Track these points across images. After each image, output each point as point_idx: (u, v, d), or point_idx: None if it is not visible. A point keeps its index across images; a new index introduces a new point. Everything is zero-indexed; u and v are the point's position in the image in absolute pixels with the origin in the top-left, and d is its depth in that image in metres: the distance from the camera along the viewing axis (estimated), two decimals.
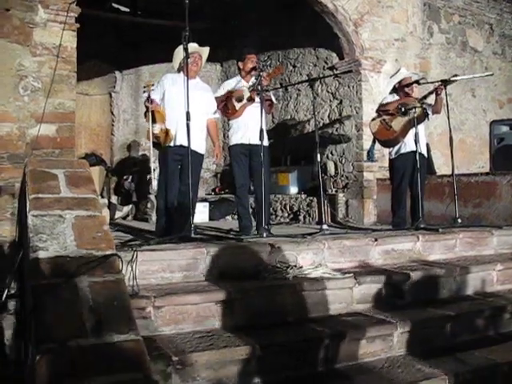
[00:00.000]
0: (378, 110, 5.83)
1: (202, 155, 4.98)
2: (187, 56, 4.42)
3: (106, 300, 2.08)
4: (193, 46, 4.61)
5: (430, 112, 5.62)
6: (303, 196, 7.72)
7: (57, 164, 3.16)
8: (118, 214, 8.59)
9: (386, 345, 3.17)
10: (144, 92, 5.07)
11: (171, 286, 3.26)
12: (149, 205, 8.24)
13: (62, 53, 4.97)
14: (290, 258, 3.72)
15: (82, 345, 1.89)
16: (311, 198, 7.47)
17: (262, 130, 4.63)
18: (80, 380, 1.78)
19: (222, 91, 5.33)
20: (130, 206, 8.91)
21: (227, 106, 5.23)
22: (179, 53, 4.83)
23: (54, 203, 2.67)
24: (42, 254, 2.29)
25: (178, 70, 4.99)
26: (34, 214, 2.57)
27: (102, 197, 7.92)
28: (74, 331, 1.94)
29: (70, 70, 5.11)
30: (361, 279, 3.57)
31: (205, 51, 4.99)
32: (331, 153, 7.72)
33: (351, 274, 3.61)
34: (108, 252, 2.37)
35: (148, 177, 8.44)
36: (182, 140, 4.64)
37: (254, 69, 5.12)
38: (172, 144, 4.79)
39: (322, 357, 2.94)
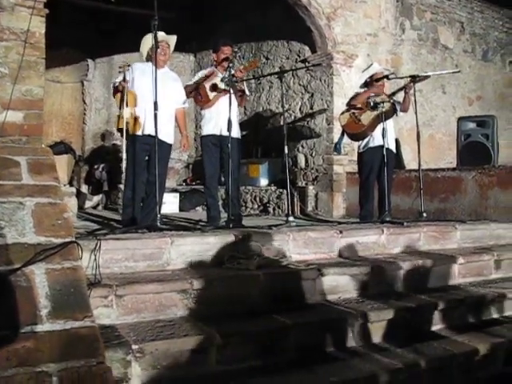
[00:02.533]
0: (348, 104, 5.88)
1: (171, 145, 4.96)
2: (156, 46, 4.40)
3: (62, 287, 2.08)
4: (160, 35, 4.56)
5: (398, 108, 5.69)
6: (273, 188, 7.75)
7: (20, 151, 3.13)
8: (89, 204, 8.51)
9: (348, 335, 3.22)
10: (120, 72, 4.99)
11: (135, 275, 3.26)
12: (120, 194, 8.18)
13: (30, 38, 4.87)
14: (254, 248, 3.74)
15: (37, 331, 1.88)
16: (281, 190, 7.50)
17: (230, 121, 4.62)
18: (33, 366, 1.77)
19: (195, 79, 5.31)
20: (101, 195, 8.83)
21: (200, 93, 5.21)
22: (146, 41, 4.80)
23: (14, 190, 2.65)
24: None
25: (146, 59, 4.95)
26: None
27: (71, 185, 7.83)
28: (29, 318, 1.93)
29: (39, 56, 5.01)
30: (324, 271, 3.61)
31: (172, 39, 4.95)
32: (302, 146, 7.75)
33: (315, 266, 3.65)
34: (67, 239, 2.36)
35: (119, 166, 8.38)
36: (150, 129, 4.61)
37: (226, 59, 5.10)
38: (140, 133, 4.76)
39: (286, 345, 2.98)
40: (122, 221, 4.95)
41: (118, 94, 4.84)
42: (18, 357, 1.79)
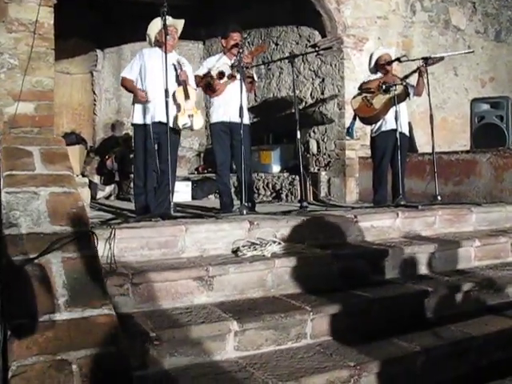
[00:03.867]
0: (360, 88, 5.83)
1: (180, 132, 4.91)
2: (166, 32, 4.37)
3: (79, 275, 2.08)
4: (167, 19, 4.54)
5: (411, 92, 5.63)
6: (285, 174, 7.71)
7: (32, 141, 3.13)
8: (101, 194, 8.53)
9: (361, 320, 3.20)
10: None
11: (150, 263, 3.26)
12: (132, 184, 8.18)
13: (39, 29, 4.87)
14: (269, 234, 3.73)
15: (55, 320, 1.88)
16: (293, 176, 7.47)
17: (241, 108, 4.59)
18: (53, 354, 1.77)
19: (203, 69, 5.27)
20: (113, 185, 8.84)
21: (209, 83, 5.17)
22: (154, 26, 4.77)
23: (28, 180, 2.65)
24: (14, 231, 2.27)
25: (154, 45, 4.91)
26: (8, 191, 2.54)
27: (84, 176, 7.84)
28: (47, 307, 1.93)
29: (48, 47, 5.01)
30: (340, 255, 3.59)
31: (180, 24, 4.90)
32: (313, 131, 7.70)
33: (330, 251, 3.63)
34: (82, 228, 2.35)
35: (131, 156, 8.37)
36: (160, 117, 4.60)
37: (235, 46, 5.05)
38: (147, 121, 4.72)
39: (303, 332, 2.97)
40: (135, 210, 4.95)
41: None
42: (38, 345, 1.79)
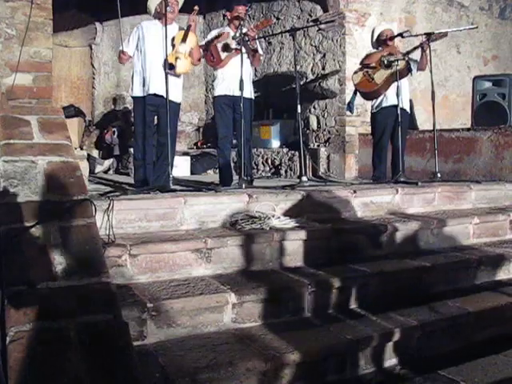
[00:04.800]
0: (361, 63, 5.78)
1: (179, 104, 4.87)
2: (166, 4, 4.32)
3: (77, 244, 2.07)
4: None
5: (414, 68, 5.57)
6: (285, 150, 7.68)
7: (30, 110, 3.09)
8: (99, 168, 8.49)
9: (361, 293, 3.21)
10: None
11: (148, 234, 3.27)
12: (131, 158, 8.15)
13: None
14: (268, 208, 3.72)
15: (53, 287, 1.88)
16: (293, 152, 7.43)
17: (242, 81, 4.55)
18: (50, 322, 1.77)
19: (206, 40, 5.21)
20: (112, 159, 8.80)
21: (212, 54, 5.12)
22: (150, 3, 4.72)
23: (26, 149, 2.62)
24: (12, 199, 2.25)
25: (154, 17, 4.84)
26: (6, 160, 2.52)
27: (82, 149, 7.80)
28: (45, 274, 1.93)
29: (46, 17, 4.93)
30: (338, 230, 3.59)
31: None
32: (314, 107, 7.65)
33: (329, 225, 3.63)
34: (80, 197, 2.34)
35: (131, 130, 8.33)
36: (155, 88, 4.56)
37: (237, 18, 5.00)
38: (144, 94, 4.68)
39: (300, 305, 2.98)
40: (134, 183, 4.93)
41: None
42: (35, 312, 1.79)
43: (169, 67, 4.26)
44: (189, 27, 4.66)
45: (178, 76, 4.70)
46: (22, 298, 1.83)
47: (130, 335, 1.86)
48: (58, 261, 1.99)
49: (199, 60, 4.99)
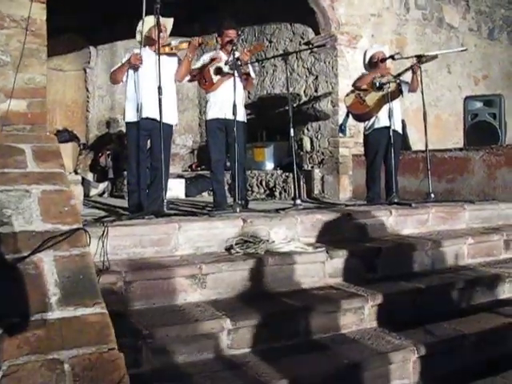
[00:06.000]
0: (353, 85, 5.83)
1: (171, 126, 4.88)
2: (159, 29, 4.38)
3: (71, 274, 2.06)
4: (151, 18, 4.54)
5: (405, 89, 5.63)
6: (279, 172, 7.71)
7: (24, 139, 3.11)
8: (94, 191, 8.50)
9: (357, 317, 3.21)
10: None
11: (143, 260, 3.26)
12: (125, 181, 8.16)
13: (31, 26, 4.82)
14: (262, 232, 3.73)
15: (47, 319, 1.87)
16: (287, 173, 7.47)
17: (234, 105, 4.58)
18: (44, 354, 1.77)
19: (199, 63, 5.26)
20: (106, 183, 8.82)
21: (204, 77, 5.16)
22: (144, 25, 4.75)
23: (20, 178, 2.63)
24: (6, 229, 2.25)
25: (143, 44, 4.85)
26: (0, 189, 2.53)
27: (77, 173, 7.82)
28: (39, 305, 1.92)
29: (40, 43, 4.97)
30: (333, 253, 3.60)
31: (169, 22, 4.87)
32: (307, 129, 7.70)
33: (323, 249, 3.63)
34: (74, 226, 2.34)
35: (125, 153, 8.35)
36: (148, 112, 4.58)
37: (229, 42, 5.04)
38: (138, 118, 4.69)
39: (295, 329, 2.98)
40: (128, 207, 4.93)
41: None
42: (29, 345, 1.78)
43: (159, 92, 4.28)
44: (189, 43, 4.72)
45: (170, 97, 4.73)
46: (16, 331, 1.82)
47: (124, 367, 1.86)
48: (53, 291, 1.99)
49: (183, 77, 4.99)
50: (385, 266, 3.84)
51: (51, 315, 1.90)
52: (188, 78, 5.06)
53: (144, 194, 4.80)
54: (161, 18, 4.58)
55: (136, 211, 4.54)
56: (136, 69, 4.64)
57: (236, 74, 4.76)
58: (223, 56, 5.14)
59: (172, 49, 4.78)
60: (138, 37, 4.86)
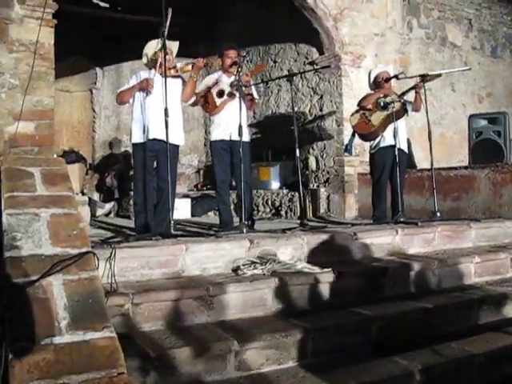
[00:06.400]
0: (358, 104, 5.88)
1: (178, 146, 4.91)
2: (165, 53, 4.42)
3: (80, 298, 2.08)
4: (158, 43, 4.61)
5: (409, 108, 5.67)
6: (285, 191, 7.73)
7: (33, 162, 3.14)
8: (100, 212, 8.54)
9: (363, 338, 3.20)
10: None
11: (150, 282, 3.26)
12: (131, 201, 8.19)
13: (40, 49, 4.92)
14: (269, 253, 3.73)
15: (56, 343, 1.88)
16: (293, 193, 7.49)
17: (240, 127, 4.61)
18: (54, 379, 1.78)
19: (202, 86, 5.31)
20: (113, 203, 8.86)
21: (207, 101, 5.22)
22: (149, 49, 4.83)
23: (29, 201, 2.66)
24: (16, 253, 2.28)
25: (149, 67, 4.92)
26: (9, 213, 2.56)
27: (83, 194, 7.86)
28: (49, 330, 1.94)
29: (48, 66, 5.06)
30: (339, 273, 3.60)
31: (174, 45, 4.94)
32: (312, 148, 7.74)
33: (330, 269, 3.63)
34: (83, 249, 2.36)
35: (130, 173, 8.40)
36: (155, 134, 4.62)
37: (234, 64, 5.10)
38: (144, 139, 4.73)
39: (303, 350, 2.97)
40: (135, 228, 4.95)
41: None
42: (39, 369, 1.79)
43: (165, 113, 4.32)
44: (193, 65, 4.79)
45: (176, 118, 4.77)
46: (26, 355, 1.83)
47: None
48: (62, 316, 2.00)
49: (189, 97, 5.05)
50: (391, 286, 3.83)
51: (61, 339, 1.91)
52: (193, 99, 5.11)
53: (151, 214, 4.82)
54: (167, 41, 4.65)
55: (143, 232, 4.56)
56: (146, 93, 4.69)
57: (239, 96, 4.80)
58: (225, 78, 5.19)
59: (177, 71, 4.84)
60: (145, 59, 4.94)
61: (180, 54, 5.12)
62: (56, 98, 5.82)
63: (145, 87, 4.68)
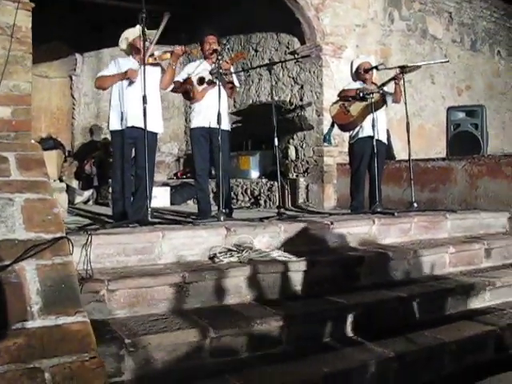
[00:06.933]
0: (338, 95, 5.89)
1: (156, 134, 4.89)
2: (144, 39, 4.38)
3: (53, 283, 2.07)
4: (136, 28, 4.59)
5: (389, 100, 5.70)
6: (264, 180, 7.74)
7: (8, 147, 3.11)
8: (79, 199, 8.47)
9: (338, 326, 3.23)
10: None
11: (126, 269, 3.26)
12: (110, 189, 8.14)
13: (17, 33, 4.81)
14: (246, 241, 3.75)
15: (28, 327, 1.88)
16: (272, 182, 7.51)
17: (219, 114, 4.60)
18: (25, 363, 1.77)
19: (183, 74, 5.29)
20: (92, 190, 8.79)
21: (188, 88, 5.19)
22: (128, 35, 4.79)
23: (3, 186, 2.63)
24: None
25: (127, 53, 4.88)
26: None
27: (61, 181, 7.78)
28: (21, 314, 1.93)
29: (25, 50, 4.96)
30: (316, 262, 3.62)
31: (153, 34, 4.91)
32: (292, 138, 7.75)
33: (306, 257, 3.66)
34: (58, 235, 2.35)
35: (110, 160, 8.33)
36: (133, 121, 4.59)
37: (215, 51, 5.07)
38: (123, 127, 4.70)
39: (278, 338, 2.99)
40: (113, 215, 4.93)
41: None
42: (10, 353, 1.78)
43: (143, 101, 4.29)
44: (172, 52, 4.75)
45: (155, 105, 4.75)
46: None
47: (106, 375, 1.86)
48: (34, 300, 1.99)
49: (167, 85, 5.02)
50: (367, 275, 3.87)
51: (32, 324, 1.90)
52: (172, 86, 5.08)
53: (128, 202, 4.80)
54: (147, 30, 4.62)
55: (120, 219, 4.54)
56: (129, 82, 4.65)
57: (219, 84, 4.78)
58: (206, 66, 5.17)
59: (156, 59, 4.80)
60: (124, 45, 4.89)
61: (160, 43, 5.09)
62: (34, 83, 5.72)
63: (130, 77, 4.65)
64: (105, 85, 4.89)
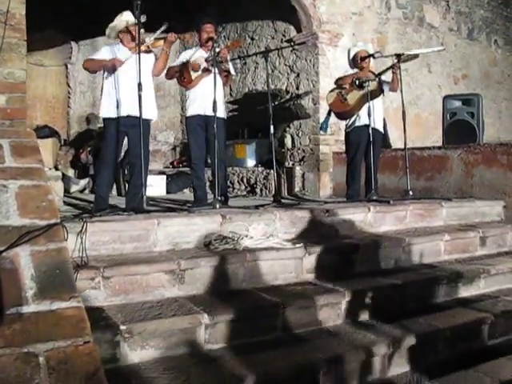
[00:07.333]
0: (335, 83, 5.88)
1: (150, 121, 4.86)
2: (139, 27, 4.36)
3: (48, 268, 2.07)
4: (131, 18, 4.57)
5: (386, 88, 5.69)
6: (260, 169, 7.74)
7: (2, 134, 3.10)
8: (75, 188, 8.45)
9: (334, 312, 3.25)
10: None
11: (122, 256, 3.27)
12: (98, 173, 8.11)
13: (10, 20, 4.77)
14: (241, 228, 3.75)
15: (22, 313, 1.88)
16: (268, 170, 7.50)
17: (214, 102, 4.59)
18: (20, 347, 1.78)
19: (178, 61, 5.27)
20: (87, 179, 8.77)
21: (183, 75, 5.17)
22: (118, 22, 4.76)
23: None
24: None
25: (119, 41, 4.85)
26: None
27: (57, 169, 7.76)
28: (15, 299, 1.93)
29: (20, 38, 4.93)
30: (311, 249, 3.64)
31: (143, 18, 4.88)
32: (288, 126, 7.74)
33: (301, 244, 3.67)
34: (52, 221, 2.35)
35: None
36: (128, 110, 4.57)
37: (211, 39, 5.05)
38: (117, 115, 4.68)
39: (273, 324, 3.00)
40: (95, 201, 4.85)
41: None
42: (4, 338, 1.79)
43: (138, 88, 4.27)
44: (165, 39, 4.73)
45: (149, 93, 4.72)
46: None
47: (99, 360, 1.87)
48: (29, 286, 2.00)
49: (160, 71, 4.99)
50: (362, 262, 3.89)
51: (27, 309, 1.91)
52: (165, 72, 5.06)
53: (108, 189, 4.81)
54: (132, 18, 4.60)
55: (103, 207, 4.51)
56: (113, 70, 4.64)
57: (216, 71, 4.77)
58: (202, 53, 5.15)
59: (148, 46, 4.77)
60: (112, 33, 4.86)
61: (155, 30, 5.06)
62: (29, 71, 5.71)
63: (115, 65, 4.63)
64: (91, 67, 4.88)
